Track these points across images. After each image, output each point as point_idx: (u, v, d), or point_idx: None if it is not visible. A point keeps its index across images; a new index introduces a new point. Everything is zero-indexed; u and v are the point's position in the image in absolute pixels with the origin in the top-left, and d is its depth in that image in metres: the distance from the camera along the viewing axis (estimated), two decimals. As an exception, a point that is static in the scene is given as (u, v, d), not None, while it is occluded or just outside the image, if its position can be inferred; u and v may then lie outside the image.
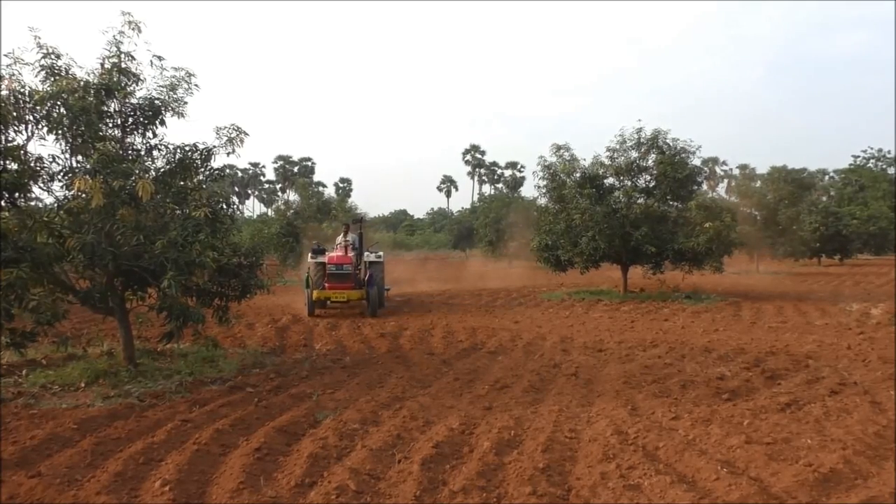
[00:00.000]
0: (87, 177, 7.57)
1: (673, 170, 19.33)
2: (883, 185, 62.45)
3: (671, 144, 19.85)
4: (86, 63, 8.63)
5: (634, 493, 4.80)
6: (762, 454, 5.44)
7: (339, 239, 17.08)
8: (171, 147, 8.98)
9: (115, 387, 8.03)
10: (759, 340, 11.77)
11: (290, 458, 5.65)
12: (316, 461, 5.46)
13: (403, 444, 5.98)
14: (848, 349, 10.72)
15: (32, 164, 8.07)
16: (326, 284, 15.60)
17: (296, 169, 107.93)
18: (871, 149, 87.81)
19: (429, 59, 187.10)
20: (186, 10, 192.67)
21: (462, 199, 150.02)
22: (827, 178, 73.36)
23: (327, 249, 17.30)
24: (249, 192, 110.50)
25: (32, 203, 8.37)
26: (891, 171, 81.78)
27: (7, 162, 7.91)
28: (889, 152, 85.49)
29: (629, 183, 20.21)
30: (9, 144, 7.96)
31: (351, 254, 16.19)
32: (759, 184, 35.96)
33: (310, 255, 16.83)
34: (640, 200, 20.14)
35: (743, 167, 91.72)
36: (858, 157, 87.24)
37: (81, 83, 8.17)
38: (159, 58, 8.77)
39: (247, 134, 9.19)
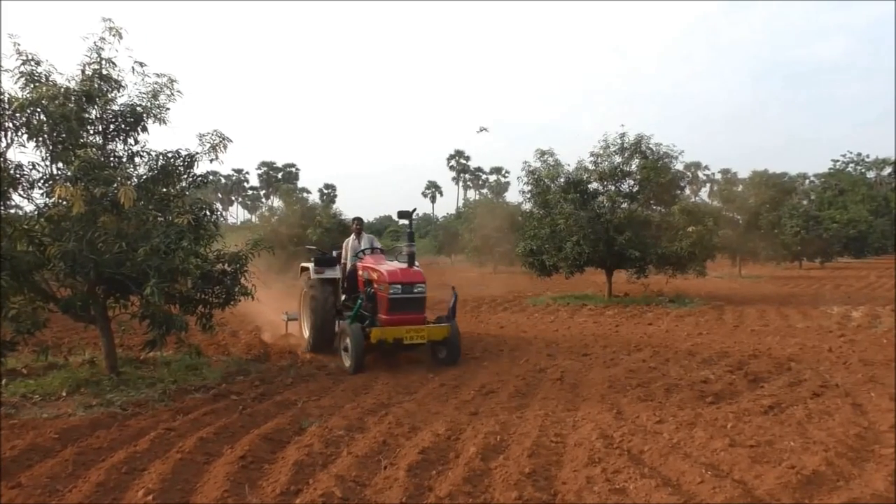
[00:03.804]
0: (68, 184, 7.50)
1: (656, 174, 19.49)
2: (862, 188, 63.52)
3: (654, 149, 20.02)
4: (66, 69, 8.56)
5: (620, 496, 4.82)
6: (746, 457, 5.48)
7: (351, 242, 11.78)
8: (153, 154, 8.91)
9: (97, 396, 7.93)
10: (742, 344, 11.87)
11: (276, 465, 5.61)
12: (301, 468, 5.42)
13: (389, 451, 5.96)
14: (829, 352, 10.83)
15: (12, 172, 7.98)
16: (385, 316, 10.03)
17: (280, 175, 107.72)
18: (851, 153, 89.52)
19: (413, 65, 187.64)
20: (170, 16, 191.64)
21: (447, 205, 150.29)
22: (807, 182, 74.36)
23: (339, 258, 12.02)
24: (233, 198, 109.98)
25: (12, 211, 8.28)
26: (870, 174, 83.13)
27: (-14, 169, 7.82)
28: (868, 156, 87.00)
29: (613, 188, 20.35)
30: (-12, 152, 7.88)
31: (399, 264, 10.60)
32: (741, 188, 36.33)
33: (311, 266, 11.74)
34: (624, 205, 20.31)
35: (725, 171, 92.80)
36: (838, 161, 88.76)
37: (62, 90, 8.09)
38: (141, 64, 8.73)
39: (230, 140, 9.13)
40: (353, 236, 11.92)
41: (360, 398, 8.10)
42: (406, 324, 9.90)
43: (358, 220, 12.24)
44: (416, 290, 10.11)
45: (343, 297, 11.47)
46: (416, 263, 10.61)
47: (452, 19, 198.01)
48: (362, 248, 11.52)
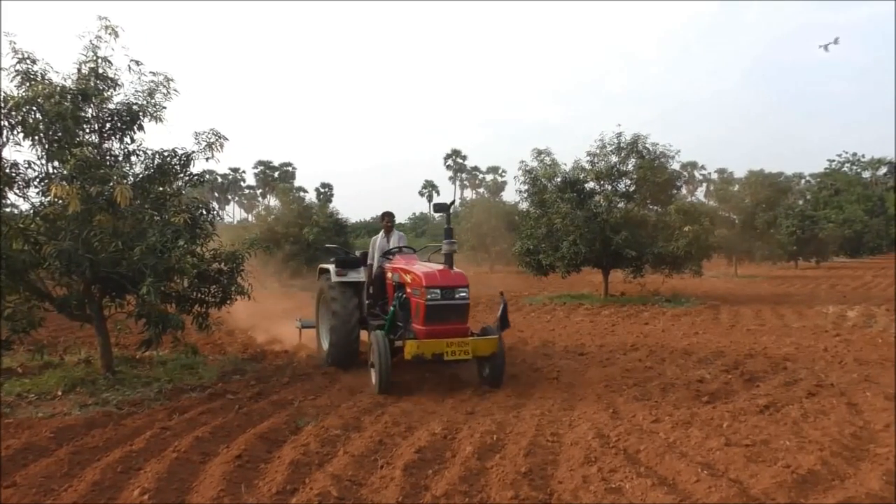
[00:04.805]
0: (64, 183, 7.49)
1: (652, 174, 19.51)
2: (857, 188, 63.82)
3: (651, 149, 20.03)
4: (62, 68, 8.56)
5: (616, 496, 4.82)
6: (741, 456, 5.49)
7: (379, 240, 10.31)
8: (149, 152, 8.90)
9: (92, 395, 7.92)
10: (738, 343, 11.88)
11: (272, 465, 5.60)
12: (297, 468, 5.42)
13: (385, 450, 5.96)
14: (825, 351, 10.85)
15: (7, 170, 7.97)
16: (421, 327, 8.40)
17: (276, 174, 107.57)
18: (846, 153, 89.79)
19: (410, 64, 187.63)
20: (167, 15, 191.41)
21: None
22: (803, 181, 74.68)
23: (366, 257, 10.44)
24: (230, 197, 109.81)
25: (8, 209, 8.26)
26: (865, 174, 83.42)
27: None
28: (863, 156, 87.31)
29: (609, 187, 20.37)
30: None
31: (436, 266, 9.08)
32: (737, 188, 36.39)
33: (332, 268, 10.09)
34: (621, 205, 20.32)
35: (721, 171, 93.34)
36: (833, 161, 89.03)
37: (58, 88, 8.07)
38: (137, 63, 8.71)
39: (226, 138, 9.13)
40: (381, 234, 10.37)
41: (357, 397, 8.09)
42: (447, 336, 8.26)
43: (388, 215, 10.46)
44: (458, 296, 8.45)
45: (368, 303, 10.17)
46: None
47: (450, 18, 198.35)
48: (391, 247, 10.07)
